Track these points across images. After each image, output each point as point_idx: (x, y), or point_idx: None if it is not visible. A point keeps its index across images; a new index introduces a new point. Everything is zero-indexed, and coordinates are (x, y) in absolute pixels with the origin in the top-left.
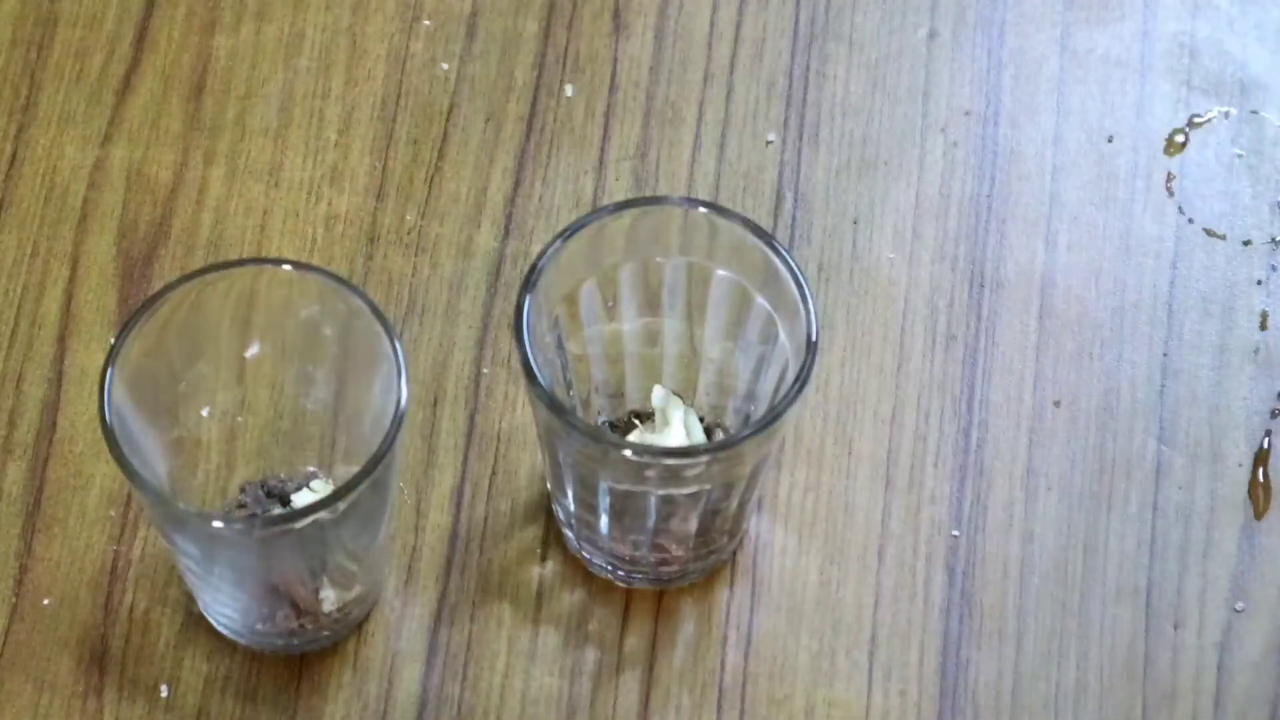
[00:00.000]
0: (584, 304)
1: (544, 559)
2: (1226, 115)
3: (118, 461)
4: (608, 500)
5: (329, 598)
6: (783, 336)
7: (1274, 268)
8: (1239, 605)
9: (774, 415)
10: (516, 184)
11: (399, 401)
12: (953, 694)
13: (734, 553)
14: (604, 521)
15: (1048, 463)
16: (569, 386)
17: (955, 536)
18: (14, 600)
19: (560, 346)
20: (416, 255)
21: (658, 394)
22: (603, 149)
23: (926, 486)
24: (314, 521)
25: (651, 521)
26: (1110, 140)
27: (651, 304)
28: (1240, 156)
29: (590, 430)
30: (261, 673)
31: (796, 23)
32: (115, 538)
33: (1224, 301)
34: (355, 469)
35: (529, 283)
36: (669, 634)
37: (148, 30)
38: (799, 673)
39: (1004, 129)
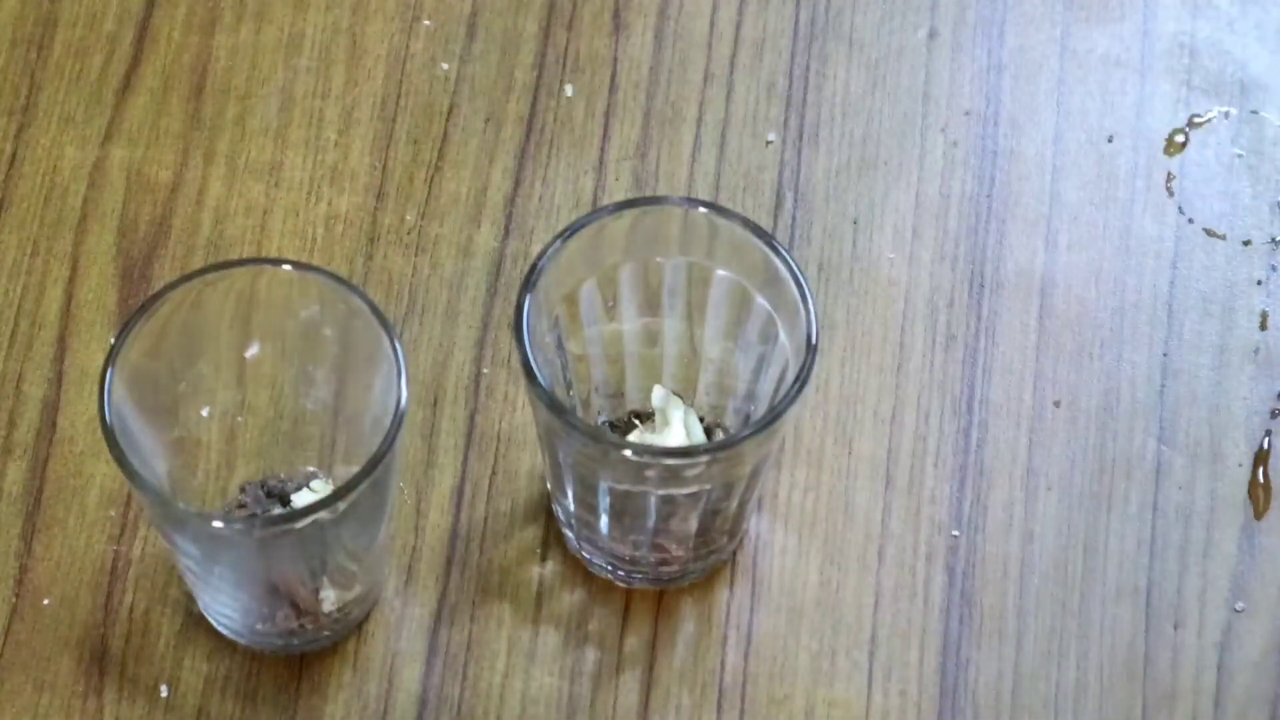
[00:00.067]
0: (584, 304)
1: (544, 559)
2: (1226, 115)
3: (118, 461)
4: (608, 500)
5: (329, 598)
6: (783, 336)
7: (1274, 268)
8: (1239, 605)
9: (774, 415)
10: (516, 184)
11: (399, 401)
12: (953, 694)
13: (734, 553)
14: (604, 521)
15: (1048, 463)
16: (569, 386)
17: (955, 536)
18: (14, 600)
19: (560, 346)
20: (416, 255)
21: (658, 394)
22: (603, 149)
23: (926, 486)
24: (314, 521)
25: (651, 521)
26: (1110, 140)
27: (651, 304)
28: (1240, 156)
29: (590, 430)
30: (261, 673)
31: (796, 23)
32: (115, 538)
33: (1224, 301)
34: (355, 469)
35: (529, 283)
36: (669, 634)
37: (148, 30)
38: (799, 673)
39: (1004, 129)
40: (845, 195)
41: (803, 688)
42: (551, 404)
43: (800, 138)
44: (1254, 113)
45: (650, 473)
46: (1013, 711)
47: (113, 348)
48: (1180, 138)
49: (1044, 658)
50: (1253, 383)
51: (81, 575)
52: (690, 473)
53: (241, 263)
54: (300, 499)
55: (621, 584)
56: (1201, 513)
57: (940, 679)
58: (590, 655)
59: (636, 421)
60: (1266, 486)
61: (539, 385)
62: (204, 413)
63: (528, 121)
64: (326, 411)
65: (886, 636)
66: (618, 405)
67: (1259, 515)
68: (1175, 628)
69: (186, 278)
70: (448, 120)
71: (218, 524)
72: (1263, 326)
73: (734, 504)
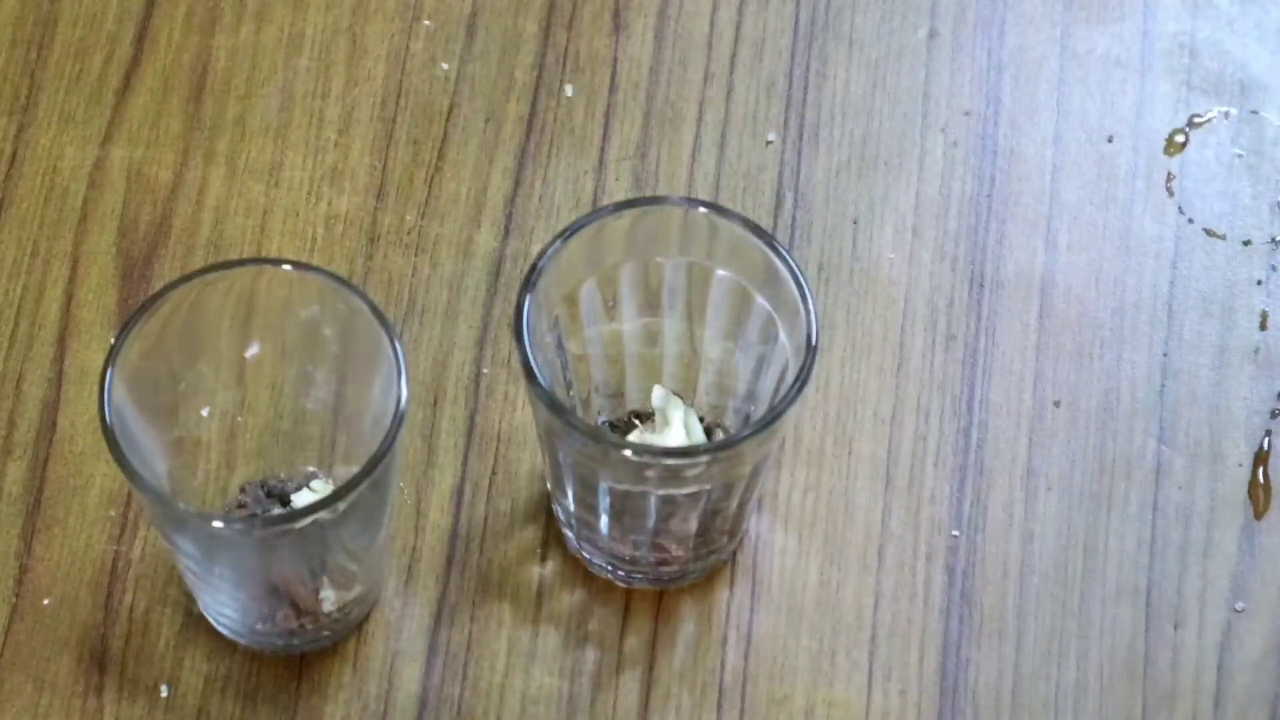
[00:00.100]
0: (584, 304)
1: (544, 559)
2: (1226, 115)
3: (118, 461)
4: (608, 500)
5: (329, 598)
6: (783, 336)
7: (1274, 268)
8: (1239, 605)
9: (774, 415)
10: (516, 184)
11: (399, 401)
12: (953, 694)
13: (734, 553)
14: (604, 521)
15: (1048, 463)
16: (569, 386)
17: (955, 536)
18: (14, 600)
19: (560, 346)
20: (416, 255)
21: (658, 394)
22: (603, 149)
23: (926, 486)
24: (314, 521)
25: (651, 521)
26: (1110, 140)
27: (651, 304)
28: (1240, 156)
29: (590, 430)
30: (261, 673)
31: (796, 23)
32: (115, 538)
33: (1224, 301)
34: (355, 469)
35: (529, 283)
36: (669, 634)
37: (148, 30)
38: (799, 673)
39: (1004, 129)
40: (845, 195)
41: (803, 688)
42: (551, 404)
43: (800, 138)
44: (1254, 113)
45: (650, 473)
46: (1013, 711)
47: (113, 348)
48: (1180, 138)
49: (1044, 658)
50: (1253, 383)
51: (81, 575)
52: (690, 473)
53: (241, 263)
54: (300, 499)
55: (621, 584)
56: (1201, 513)
57: (940, 679)
58: (590, 655)
59: (636, 421)
60: (1266, 486)
61: (539, 385)
62: (204, 413)
63: (528, 121)
64: (326, 411)
65: (886, 636)
66: (618, 405)
67: (1259, 515)
68: (1175, 628)
69: (186, 278)
70: (448, 120)
71: (218, 524)
72: (1263, 326)
73: (734, 504)
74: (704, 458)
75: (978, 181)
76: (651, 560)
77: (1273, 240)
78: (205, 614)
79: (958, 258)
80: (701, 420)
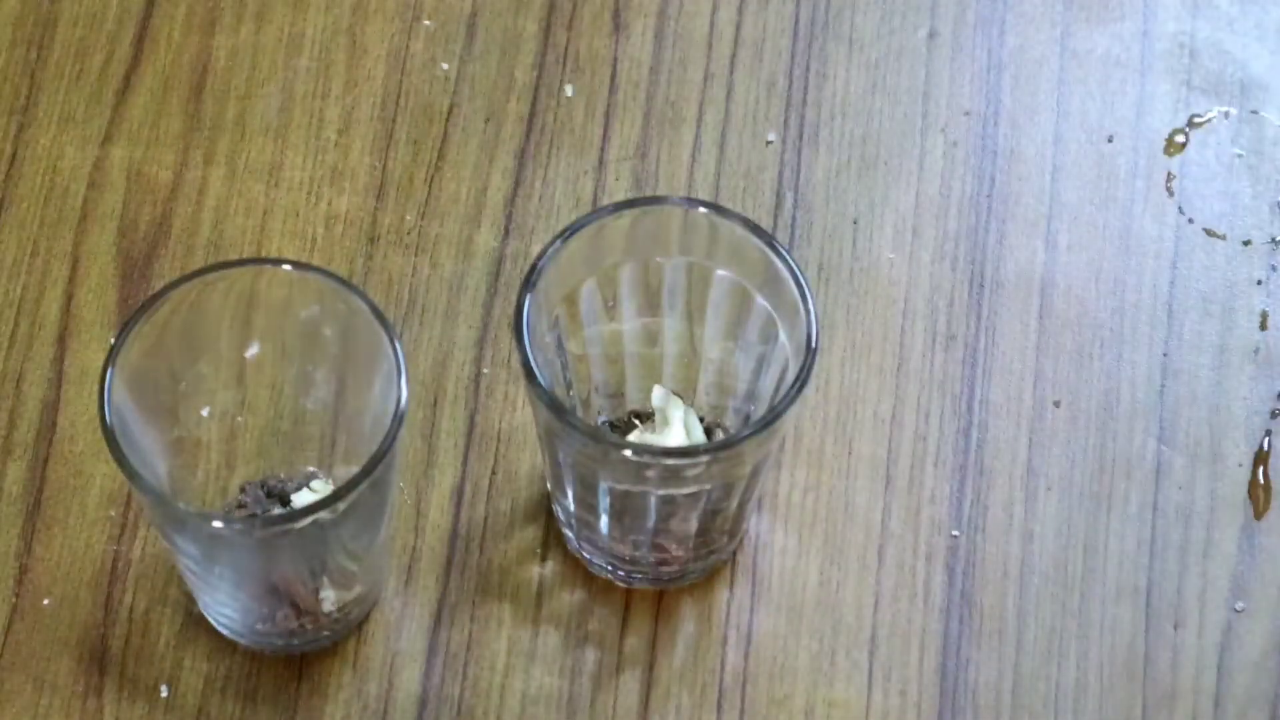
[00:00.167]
0: (584, 304)
1: (544, 559)
2: (1226, 115)
3: (118, 461)
4: (608, 500)
5: (329, 598)
6: (783, 336)
7: (1274, 268)
8: (1239, 605)
9: (774, 415)
10: (516, 184)
11: (399, 401)
12: (953, 694)
13: (734, 553)
14: (604, 521)
15: (1048, 463)
16: (569, 386)
17: (955, 536)
18: (14, 600)
19: (560, 346)
20: (416, 255)
21: (658, 394)
22: (603, 149)
23: (926, 486)
24: (314, 521)
25: (651, 521)
26: (1110, 140)
27: (651, 304)
28: (1240, 156)
29: (590, 430)
30: (261, 673)
31: (796, 23)
32: (115, 538)
33: (1224, 301)
34: (355, 469)
35: (529, 283)
36: (669, 634)
37: (148, 30)
38: (799, 673)
39: (1004, 129)
40: (845, 195)
41: (803, 688)
42: (551, 404)
43: (800, 138)
44: (1254, 113)
45: (650, 473)
46: (1013, 711)
47: (113, 348)
48: (1180, 138)
49: (1044, 658)
50: (1253, 383)
51: (81, 575)
52: (690, 473)
53: (241, 263)
54: (300, 499)
55: (621, 584)
56: (1201, 513)
57: (940, 679)
58: (590, 655)
59: (636, 421)
60: (1266, 486)
61: (539, 385)
62: (204, 413)
63: (528, 121)
64: (326, 411)
65: (886, 636)
66: (618, 405)
67: (1259, 515)
68: (1175, 628)
69: (186, 278)
70: (448, 120)
71: (218, 524)
72: (1263, 326)
73: (734, 504)
74: (704, 458)
75: (978, 181)
76: (651, 560)
77: (1273, 240)
78: (205, 614)
79: (958, 258)
80: (701, 420)
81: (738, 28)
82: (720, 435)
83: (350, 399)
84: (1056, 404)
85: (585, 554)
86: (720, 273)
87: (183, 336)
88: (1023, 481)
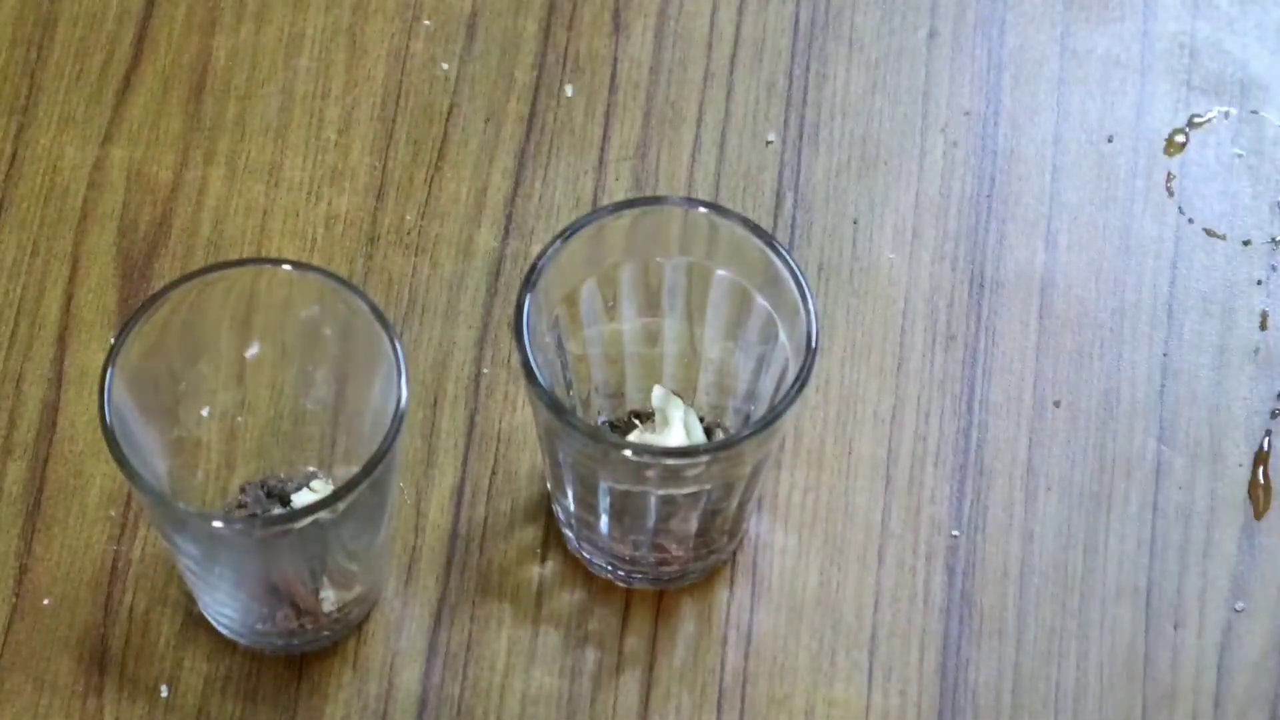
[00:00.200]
0: (584, 304)
1: (544, 559)
2: (1226, 115)
3: (118, 461)
4: (608, 500)
5: (329, 598)
6: (783, 337)
7: (1274, 268)
8: (1239, 605)
9: (774, 415)
10: (516, 184)
11: (399, 401)
12: (953, 694)
13: (734, 553)
14: (604, 521)
15: (1048, 463)
16: (569, 386)
17: (955, 536)
18: (14, 600)
19: (560, 346)
20: (416, 255)
21: (658, 394)
22: (603, 149)
23: (926, 486)
24: (314, 521)
25: (651, 521)
26: (1110, 140)
27: (651, 304)
28: (1240, 156)
29: (590, 430)
30: (261, 673)
31: (796, 23)
32: (115, 538)
33: (1224, 301)
34: (355, 469)
35: (529, 283)
36: (669, 634)
37: (148, 30)
38: (799, 673)
39: (1004, 129)
40: (845, 195)
41: (803, 688)
42: (551, 404)
43: (800, 138)
44: (1254, 113)
45: (650, 473)
46: (1013, 711)
47: (113, 348)
48: (1180, 138)
49: (1044, 658)
50: (1253, 383)
51: (81, 575)
52: (690, 473)
53: (241, 263)
54: (300, 499)
55: (621, 584)
56: (1201, 513)
57: (940, 679)
58: (590, 655)
59: (636, 421)
60: (1266, 486)
61: (539, 385)
62: (204, 413)
63: (528, 121)
64: (326, 411)
65: (886, 636)
66: (618, 405)
67: (1259, 515)
68: (1175, 628)
69: (186, 278)
70: (448, 120)
71: (218, 524)
72: (1263, 326)
73: (734, 504)
74: (704, 458)
75: (977, 181)
76: (651, 560)
77: (1273, 240)
78: (205, 614)
79: (958, 258)
80: (701, 420)
81: (738, 28)
82: (720, 435)
83: (350, 399)
84: (1056, 404)
85: (585, 554)
86: (720, 273)
87: (183, 336)
88: (1023, 481)
